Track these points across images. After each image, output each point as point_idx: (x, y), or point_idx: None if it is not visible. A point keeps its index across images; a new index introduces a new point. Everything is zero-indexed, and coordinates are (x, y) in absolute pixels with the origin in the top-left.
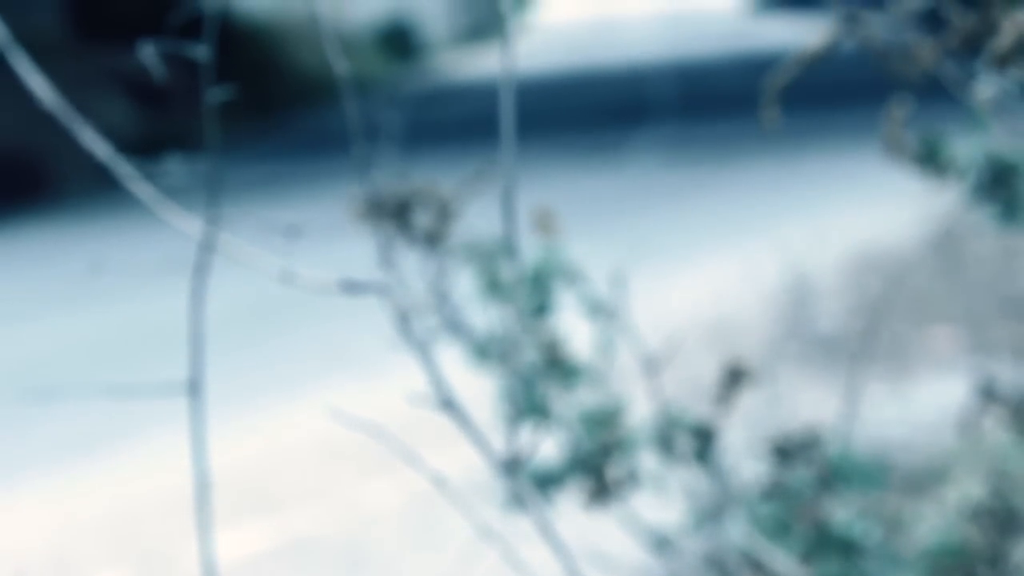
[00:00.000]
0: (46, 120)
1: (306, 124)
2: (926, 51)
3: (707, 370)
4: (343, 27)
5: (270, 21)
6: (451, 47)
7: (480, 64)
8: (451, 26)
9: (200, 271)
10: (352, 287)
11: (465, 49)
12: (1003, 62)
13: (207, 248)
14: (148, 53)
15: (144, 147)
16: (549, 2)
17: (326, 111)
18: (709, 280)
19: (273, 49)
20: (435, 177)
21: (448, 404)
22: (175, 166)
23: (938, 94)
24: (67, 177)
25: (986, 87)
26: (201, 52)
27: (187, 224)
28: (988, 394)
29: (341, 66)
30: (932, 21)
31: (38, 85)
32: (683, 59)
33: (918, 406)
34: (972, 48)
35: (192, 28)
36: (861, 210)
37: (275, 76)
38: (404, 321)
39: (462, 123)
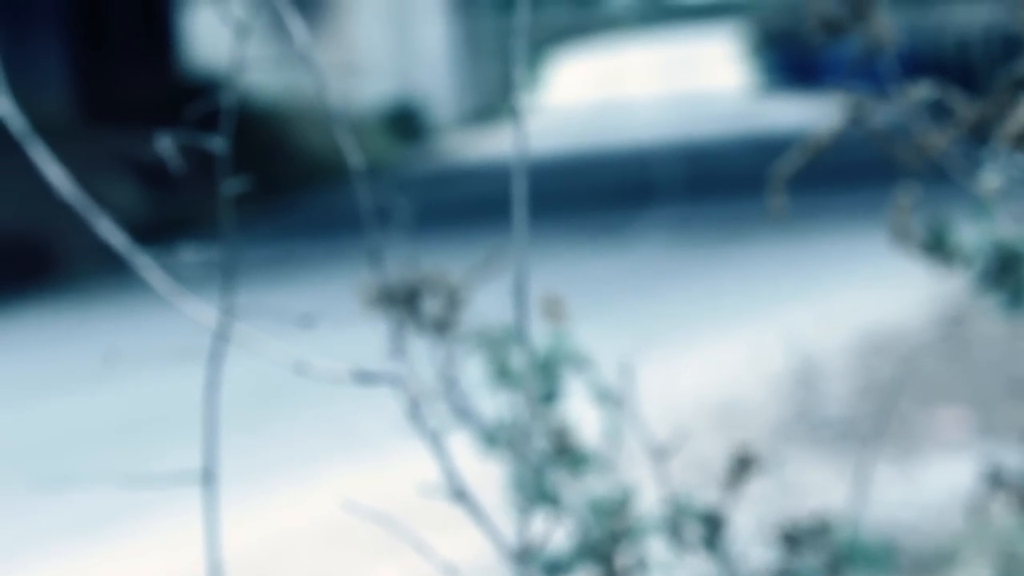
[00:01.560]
0: (57, 202)
1: (316, 205)
2: (932, 140)
3: (715, 453)
4: (351, 109)
5: (279, 102)
6: (458, 128)
7: (488, 145)
8: (458, 107)
9: (214, 361)
10: (364, 377)
11: (473, 130)
12: (1018, 143)
13: (221, 338)
14: (164, 145)
15: (154, 229)
16: (555, 83)
17: (336, 192)
18: (716, 362)
19: (282, 130)
20: (443, 259)
21: (460, 495)
22: (188, 254)
23: (943, 178)
24: (78, 258)
25: (992, 175)
26: (217, 144)
27: (201, 313)
28: (995, 479)
29: (349, 149)
30: (936, 106)
31: (51, 170)
32: (689, 140)
33: (926, 488)
34: (978, 136)
35: (204, 109)
36: (867, 291)
37: (285, 157)
38: (414, 410)
39: (470, 204)
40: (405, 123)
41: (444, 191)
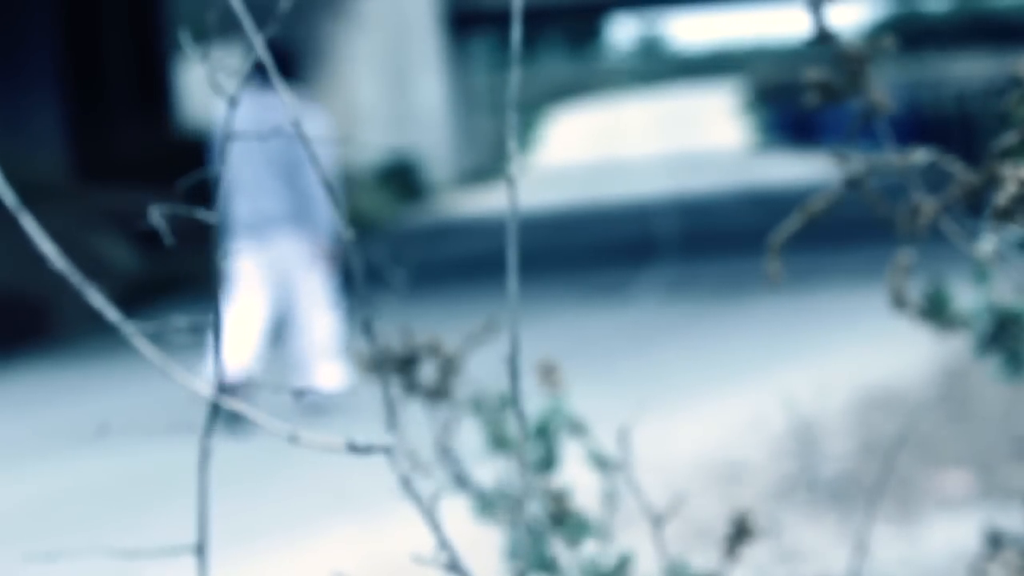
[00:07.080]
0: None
1: None
2: (927, 206)
3: (713, 515)
4: (348, 166)
5: None
6: (455, 185)
7: (484, 202)
8: (455, 164)
9: (207, 433)
10: (358, 448)
11: (469, 187)
12: (1006, 215)
13: (215, 410)
14: (156, 216)
15: (149, 286)
16: (553, 139)
17: None
18: (715, 422)
19: None
20: (441, 317)
21: (454, 567)
22: (180, 321)
23: (940, 240)
24: (72, 318)
25: (988, 240)
26: (209, 216)
27: (194, 383)
28: (996, 543)
29: (341, 212)
30: (933, 168)
31: (42, 241)
32: (687, 196)
33: (927, 549)
34: (974, 202)
35: (195, 162)
36: (867, 349)
37: None
38: (408, 480)
39: (467, 261)
40: (402, 180)
41: (441, 248)
